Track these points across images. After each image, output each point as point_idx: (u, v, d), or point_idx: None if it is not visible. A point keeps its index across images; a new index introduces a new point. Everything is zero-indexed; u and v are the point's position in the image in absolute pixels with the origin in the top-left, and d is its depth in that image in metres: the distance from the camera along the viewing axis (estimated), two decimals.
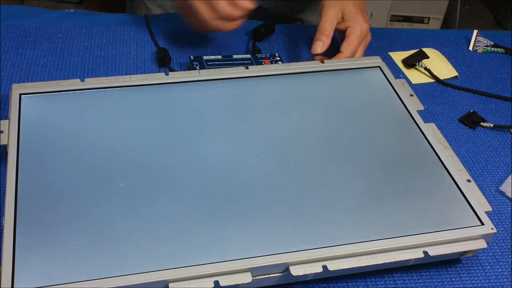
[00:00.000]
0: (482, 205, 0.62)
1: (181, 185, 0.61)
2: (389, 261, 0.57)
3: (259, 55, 0.80)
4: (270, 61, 0.79)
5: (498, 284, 0.62)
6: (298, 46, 0.90)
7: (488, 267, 0.64)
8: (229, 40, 0.88)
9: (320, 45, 0.79)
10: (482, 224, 0.60)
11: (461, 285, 0.62)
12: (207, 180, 0.62)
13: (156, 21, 0.90)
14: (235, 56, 0.79)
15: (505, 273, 0.63)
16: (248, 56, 0.79)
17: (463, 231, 0.60)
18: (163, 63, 0.82)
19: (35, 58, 0.82)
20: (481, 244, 0.60)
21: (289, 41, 0.90)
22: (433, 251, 0.58)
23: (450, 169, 0.66)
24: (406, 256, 0.57)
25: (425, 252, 0.58)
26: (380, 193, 0.62)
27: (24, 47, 0.83)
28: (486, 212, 0.62)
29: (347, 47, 0.79)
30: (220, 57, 0.78)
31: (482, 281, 0.62)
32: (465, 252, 0.61)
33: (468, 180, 0.65)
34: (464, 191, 0.63)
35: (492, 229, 0.60)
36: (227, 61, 0.78)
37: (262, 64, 0.78)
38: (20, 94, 0.68)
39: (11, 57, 0.81)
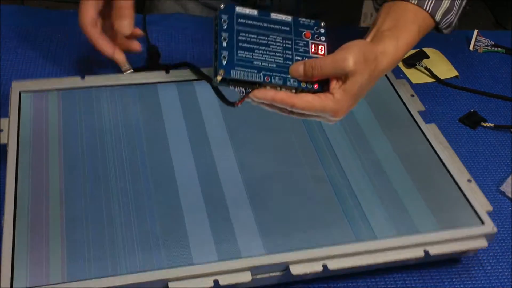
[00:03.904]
0: (482, 205, 0.62)
1: (181, 184, 0.61)
2: (390, 260, 0.57)
3: (302, 21, 0.62)
4: (311, 34, 0.61)
5: (499, 284, 0.62)
6: None
7: (488, 267, 0.64)
8: None
9: (299, 71, 0.57)
10: (483, 223, 0.60)
11: (461, 285, 0.62)
12: (206, 179, 0.62)
13: (157, 20, 0.90)
14: (273, 16, 0.60)
15: (506, 273, 0.63)
16: (289, 19, 0.61)
17: (464, 230, 0.59)
18: (152, 59, 0.82)
19: (35, 58, 0.82)
20: (482, 243, 0.59)
21: None
22: (434, 250, 0.58)
23: (451, 169, 0.66)
24: (407, 255, 0.57)
25: (425, 251, 0.58)
26: (381, 193, 0.62)
27: (24, 47, 0.83)
28: (487, 212, 0.61)
29: (305, 103, 0.57)
30: (255, 13, 0.60)
31: (482, 281, 0.62)
32: (466, 251, 0.61)
33: (469, 180, 0.65)
34: (465, 191, 0.63)
35: (493, 228, 0.60)
36: (262, 22, 0.60)
37: (302, 36, 0.60)
38: (20, 92, 0.68)
39: (11, 57, 0.81)
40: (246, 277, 0.53)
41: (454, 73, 0.89)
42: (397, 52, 0.62)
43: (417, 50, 0.90)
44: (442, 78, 0.88)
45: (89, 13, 0.70)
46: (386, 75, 0.77)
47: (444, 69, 0.90)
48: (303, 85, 0.58)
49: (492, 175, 0.74)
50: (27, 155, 0.62)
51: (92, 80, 0.71)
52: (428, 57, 0.89)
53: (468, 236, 0.59)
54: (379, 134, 0.69)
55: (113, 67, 0.82)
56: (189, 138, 0.66)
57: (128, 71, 0.76)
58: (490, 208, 0.62)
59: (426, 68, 0.88)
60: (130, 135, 0.65)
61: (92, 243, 0.55)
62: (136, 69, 0.78)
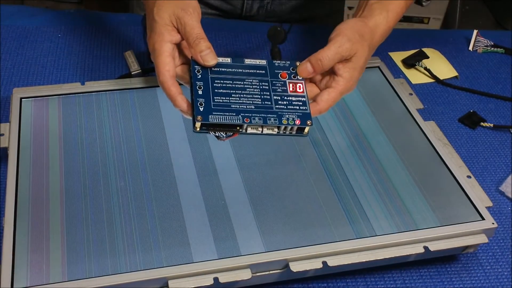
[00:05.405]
0: (482, 200, 0.62)
1: (180, 183, 0.61)
2: (389, 256, 0.57)
3: (277, 63, 0.62)
4: (288, 75, 0.61)
5: (498, 284, 0.62)
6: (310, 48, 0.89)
7: (488, 267, 0.64)
8: (242, 39, 0.88)
9: (308, 69, 0.60)
10: (483, 219, 0.60)
11: (461, 285, 0.62)
12: (206, 178, 0.62)
13: None
14: (247, 62, 0.61)
15: (505, 273, 0.63)
16: (264, 63, 0.62)
17: (464, 226, 0.60)
18: (150, 60, 0.82)
19: (35, 58, 0.82)
20: (482, 238, 0.59)
21: (302, 43, 0.90)
22: (434, 246, 0.58)
23: (450, 165, 0.66)
24: (407, 251, 0.57)
25: (425, 247, 0.58)
26: (380, 190, 0.63)
27: (24, 47, 0.83)
28: (487, 208, 0.62)
29: (326, 102, 0.60)
30: (229, 60, 0.61)
31: (482, 281, 0.62)
32: (466, 247, 0.61)
33: (468, 176, 0.65)
34: (465, 187, 0.64)
35: (493, 223, 0.60)
36: (236, 68, 0.61)
37: (278, 77, 0.60)
38: (21, 98, 0.68)
39: (11, 57, 0.81)
40: (246, 274, 0.54)
41: (454, 73, 0.89)
42: (388, 23, 0.65)
43: (416, 50, 0.91)
44: (441, 78, 0.88)
45: (167, 67, 0.58)
46: (384, 75, 0.77)
47: (444, 69, 0.90)
48: (284, 122, 0.57)
49: (492, 175, 0.74)
50: (27, 157, 0.62)
51: (92, 86, 0.71)
52: (427, 57, 0.89)
53: (468, 232, 0.59)
54: (377, 131, 0.70)
55: (113, 66, 0.82)
56: (189, 139, 0.66)
57: (136, 71, 0.77)
58: (490, 203, 0.62)
59: (425, 68, 0.88)
60: (130, 137, 0.65)
61: (92, 242, 0.55)
62: (144, 70, 0.78)
